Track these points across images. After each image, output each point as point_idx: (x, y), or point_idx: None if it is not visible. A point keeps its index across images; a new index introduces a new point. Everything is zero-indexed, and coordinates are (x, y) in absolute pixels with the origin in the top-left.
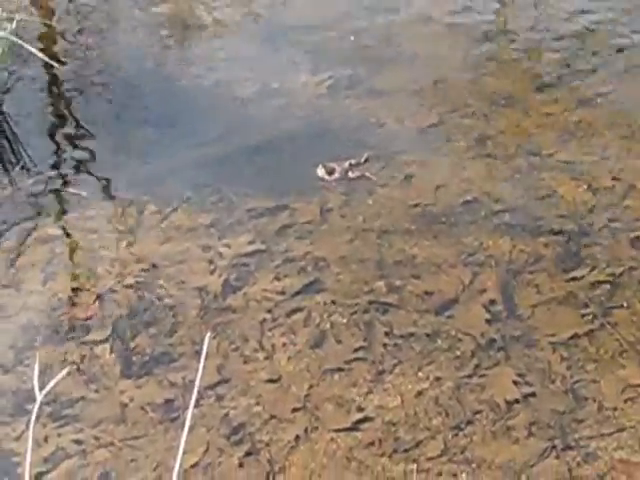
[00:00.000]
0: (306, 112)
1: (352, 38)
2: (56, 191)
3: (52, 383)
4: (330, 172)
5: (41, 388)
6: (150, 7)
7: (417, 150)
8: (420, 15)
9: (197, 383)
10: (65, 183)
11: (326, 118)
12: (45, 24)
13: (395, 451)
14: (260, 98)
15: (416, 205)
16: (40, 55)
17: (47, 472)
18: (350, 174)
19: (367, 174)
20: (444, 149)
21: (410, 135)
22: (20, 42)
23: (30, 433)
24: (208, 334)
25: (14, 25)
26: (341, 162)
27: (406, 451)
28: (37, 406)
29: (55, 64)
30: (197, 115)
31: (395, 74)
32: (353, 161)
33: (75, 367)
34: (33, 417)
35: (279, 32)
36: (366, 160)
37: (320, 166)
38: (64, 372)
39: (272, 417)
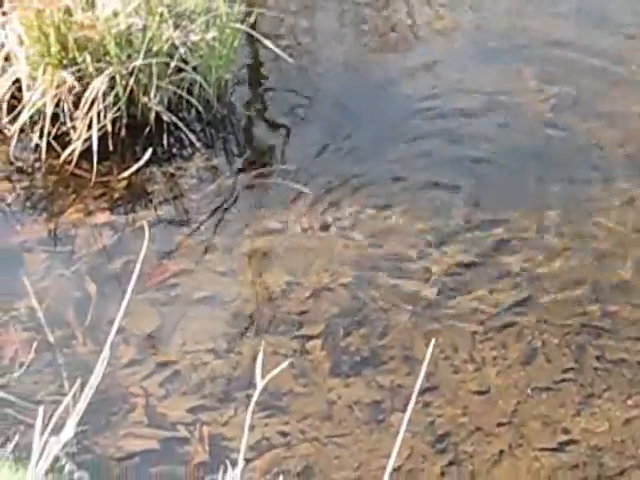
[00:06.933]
0: (530, 128)
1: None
2: (277, 185)
3: (274, 372)
4: None
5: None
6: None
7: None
8: None
9: (416, 388)
10: (288, 178)
11: (549, 135)
12: (279, 18)
13: (599, 477)
14: (484, 111)
15: (637, 231)
16: (275, 50)
17: (252, 460)
18: None
19: None
20: None
21: (634, 160)
22: (257, 35)
23: (247, 419)
24: (433, 340)
25: (252, 19)
26: None
27: (610, 478)
28: (257, 394)
29: (288, 58)
30: (419, 125)
31: (622, 96)
32: None
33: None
34: (252, 404)
35: (501, 44)
36: None
37: None
38: (285, 363)
39: (477, 429)
